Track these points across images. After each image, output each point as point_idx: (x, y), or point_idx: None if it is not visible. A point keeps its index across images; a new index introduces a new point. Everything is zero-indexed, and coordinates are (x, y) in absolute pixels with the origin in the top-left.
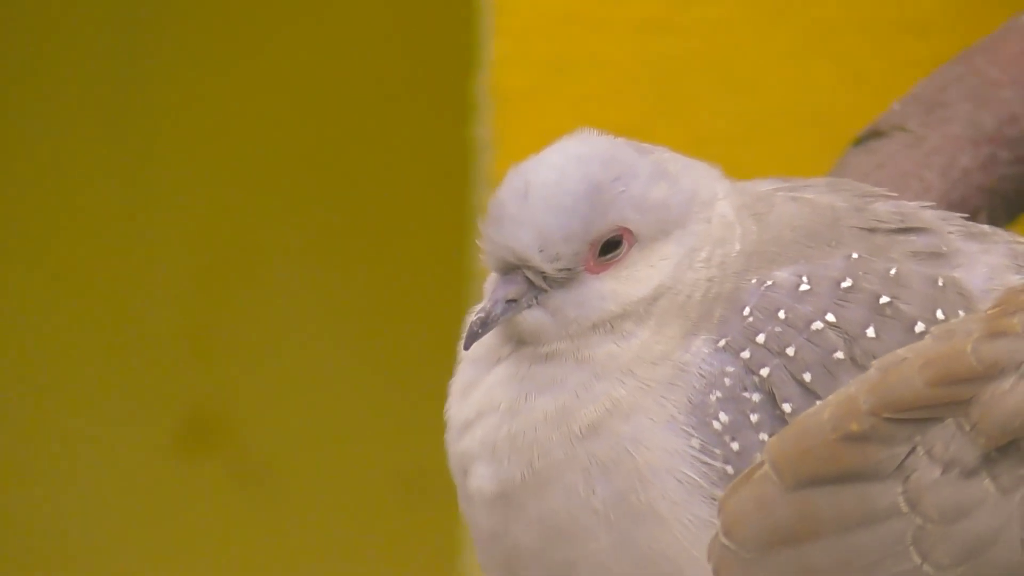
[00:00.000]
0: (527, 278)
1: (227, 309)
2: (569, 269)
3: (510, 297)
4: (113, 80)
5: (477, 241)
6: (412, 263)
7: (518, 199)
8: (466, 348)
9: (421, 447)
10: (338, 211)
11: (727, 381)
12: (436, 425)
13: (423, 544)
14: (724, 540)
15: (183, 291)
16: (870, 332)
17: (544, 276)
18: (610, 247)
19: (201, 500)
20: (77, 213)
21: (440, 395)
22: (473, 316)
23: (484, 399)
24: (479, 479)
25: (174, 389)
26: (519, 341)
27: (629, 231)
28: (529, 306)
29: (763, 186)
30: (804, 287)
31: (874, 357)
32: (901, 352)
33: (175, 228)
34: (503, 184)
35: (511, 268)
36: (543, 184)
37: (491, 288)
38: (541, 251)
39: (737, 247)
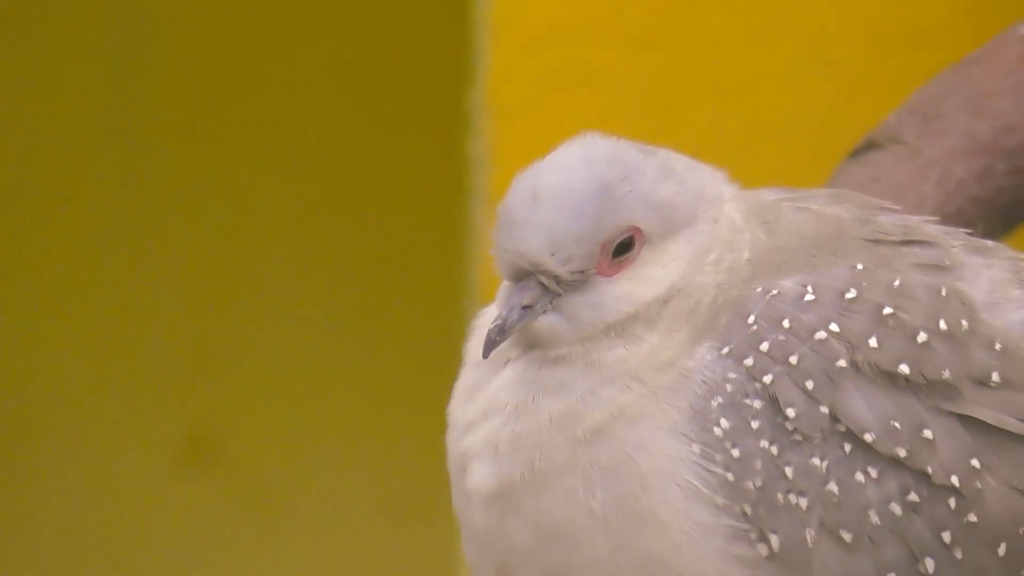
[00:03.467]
0: (541, 283)
1: (226, 328)
2: (582, 271)
3: (525, 303)
4: (111, 95)
5: (489, 251)
6: (409, 279)
7: (527, 204)
8: (485, 356)
9: (418, 468)
10: (335, 227)
11: (728, 387)
12: (433, 446)
13: (419, 564)
14: None
15: (182, 310)
16: (872, 342)
17: (557, 280)
18: (622, 248)
19: (197, 518)
20: (76, 230)
21: (434, 412)
22: (491, 324)
23: (490, 400)
24: (478, 477)
25: (172, 408)
26: (528, 345)
27: (639, 231)
28: (544, 311)
29: (768, 195)
30: (809, 297)
31: (877, 366)
32: None
33: (175, 246)
34: (510, 190)
35: (524, 274)
36: (551, 187)
37: (504, 296)
38: (553, 254)
39: (746, 254)
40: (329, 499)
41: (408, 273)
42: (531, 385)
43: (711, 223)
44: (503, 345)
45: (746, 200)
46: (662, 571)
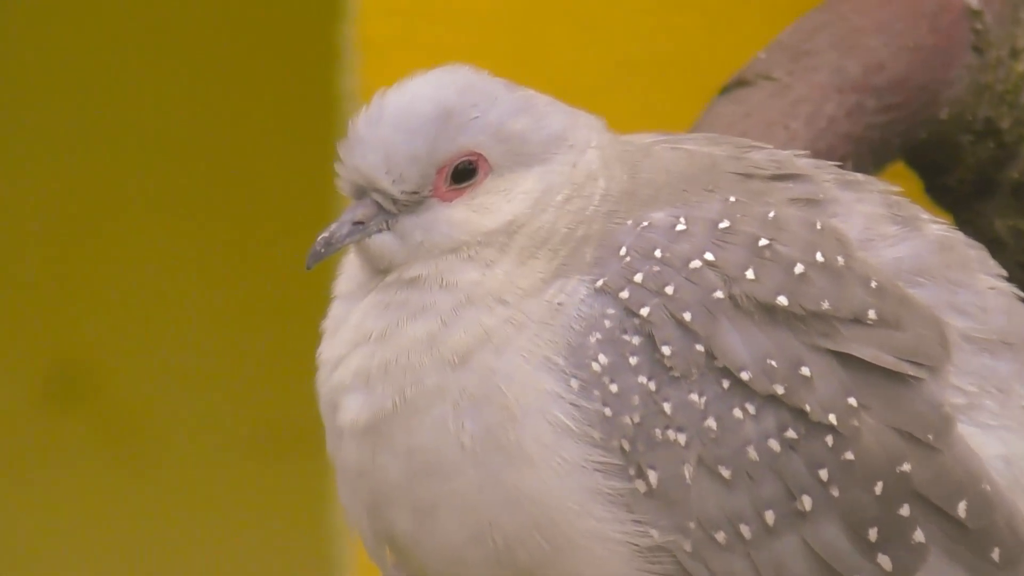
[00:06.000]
0: (377, 202)
1: (93, 259)
2: (415, 192)
3: (357, 219)
4: None
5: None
6: (277, 212)
7: (370, 123)
8: (308, 268)
9: (289, 403)
10: (206, 158)
11: (607, 323)
12: (305, 381)
13: (290, 494)
14: None
15: (48, 240)
16: (749, 273)
17: (393, 200)
18: (464, 175)
19: (66, 452)
20: None
21: (306, 344)
22: (319, 236)
23: (355, 331)
24: (350, 411)
25: (38, 340)
26: (376, 269)
27: (484, 159)
28: (380, 230)
29: (645, 139)
30: (681, 227)
31: (755, 299)
32: None
33: (40, 175)
34: (363, 110)
35: (362, 192)
36: (394, 108)
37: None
38: (387, 172)
39: (597, 199)
40: (199, 434)
41: (277, 206)
42: (390, 310)
43: (567, 166)
44: (364, 277)
45: (618, 145)
46: (529, 508)
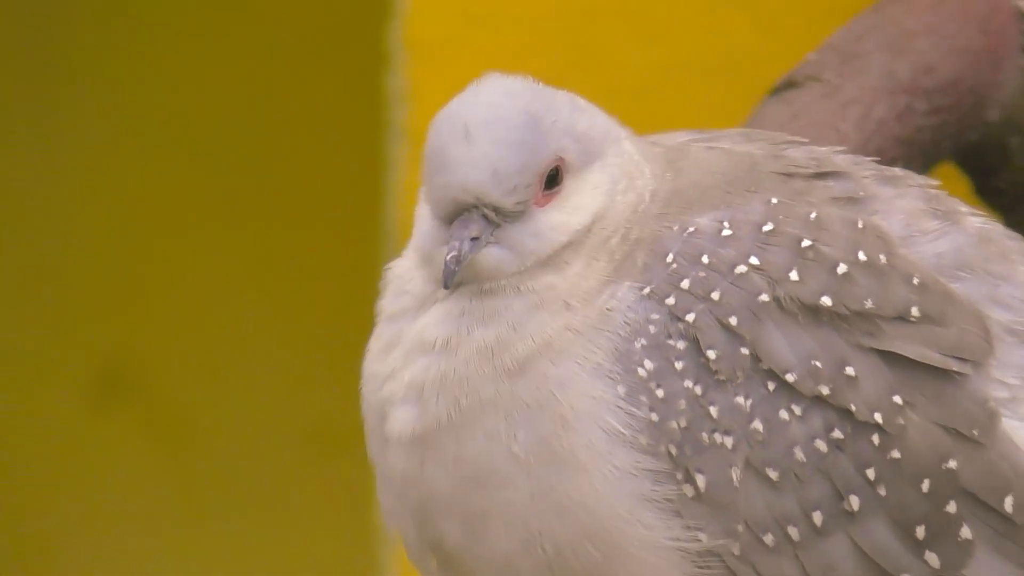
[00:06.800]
0: (484, 216)
1: (144, 263)
2: (524, 201)
3: (473, 236)
4: (32, 35)
5: (421, 191)
6: (326, 215)
7: (460, 141)
8: (446, 287)
9: (335, 403)
10: (255, 164)
11: (652, 328)
12: (350, 382)
13: (335, 499)
14: None
15: (99, 243)
16: (793, 275)
17: (497, 212)
18: (553, 180)
19: (114, 451)
20: None
21: (352, 347)
22: (447, 256)
23: (415, 341)
24: (400, 422)
25: (89, 342)
26: (461, 281)
27: (564, 161)
28: (487, 244)
29: (678, 138)
30: (726, 232)
31: (799, 300)
32: None
33: (93, 179)
34: (436, 130)
35: (463, 210)
36: (484, 121)
37: (431, 233)
38: (498, 186)
39: (650, 187)
40: (245, 432)
41: (327, 208)
42: (463, 318)
43: (619, 157)
44: (420, 291)
45: (653, 143)
46: (581, 516)
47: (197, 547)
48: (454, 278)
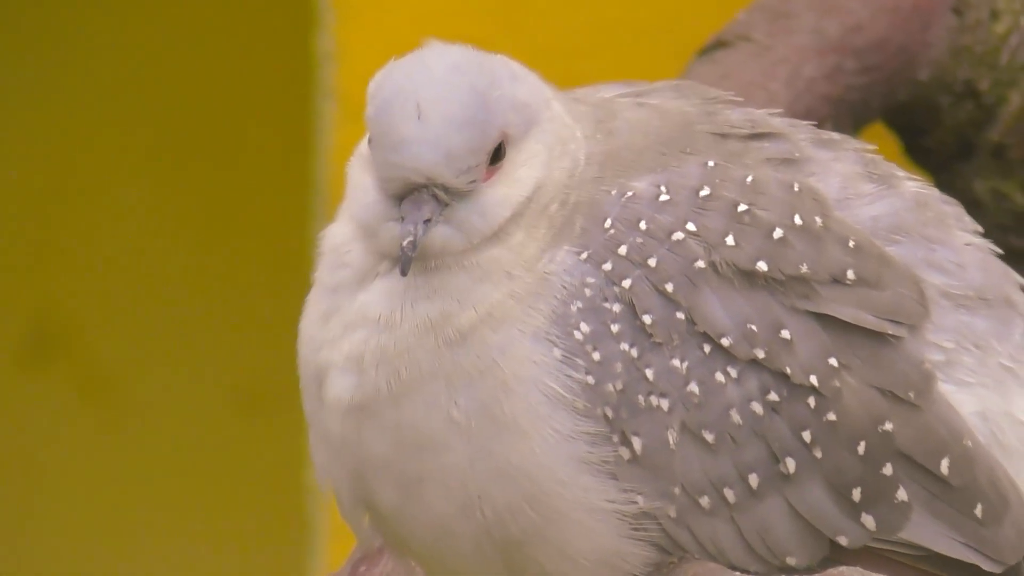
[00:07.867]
0: (434, 195)
1: (70, 220)
2: (475, 180)
3: (426, 217)
4: None
5: (356, 156)
6: (255, 174)
7: (412, 119)
8: (404, 274)
9: (265, 362)
10: (183, 122)
11: (587, 292)
12: (281, 341)
13: (265, 457)
14: None
15: (23, 202)
16: (729, 240)
17: (447, 191)
18: (498, 154)
19: (43, 410)
20: None
21: (282, 306)
22: (403, 241)
23: (356, 313)
24: (337, 388)
25: (15, 300)
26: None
27: (507, 136)
28: (437, 223)
29: (606, 92)
30: (664, 197)
31: (735, 265)
32: None
33: (16, 135)
34: (383, 108)
35: (414, 189)
36: (436, 101)
37: (380, 209)
38: (450, 166)
39: (584, 149)
40: (175, 393)
41: (256, 167)
42: (406, 293)
43: (550, 123)
44: (362, 263)
45: (579, 100)
46: (520, 479)
47: (127, 504)
48: (410, 264)
